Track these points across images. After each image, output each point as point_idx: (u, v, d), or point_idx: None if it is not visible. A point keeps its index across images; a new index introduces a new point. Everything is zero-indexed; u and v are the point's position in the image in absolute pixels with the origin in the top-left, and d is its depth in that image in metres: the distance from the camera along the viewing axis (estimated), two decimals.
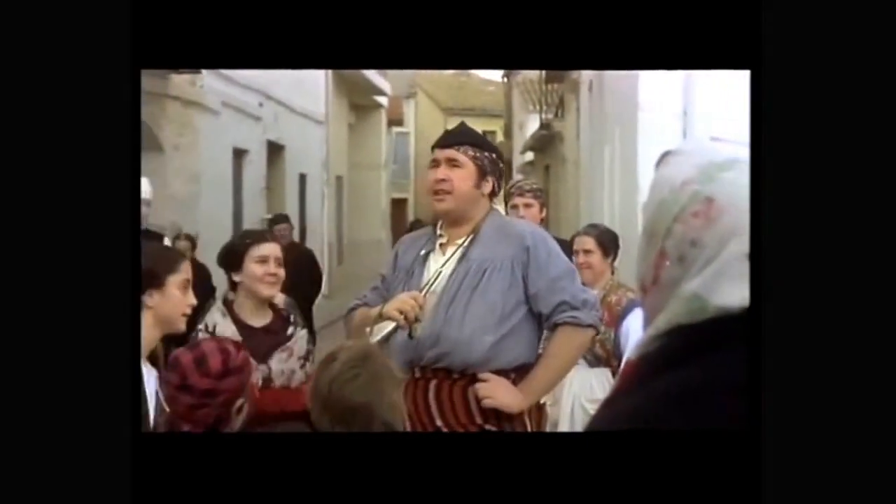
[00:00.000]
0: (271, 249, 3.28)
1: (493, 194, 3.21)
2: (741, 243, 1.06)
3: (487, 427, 2.94)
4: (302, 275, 7.86)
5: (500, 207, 3.45)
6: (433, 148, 3.21)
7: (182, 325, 2.64)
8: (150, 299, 2.50)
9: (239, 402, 2.30)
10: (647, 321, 1.16)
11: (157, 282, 2.51)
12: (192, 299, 2.60)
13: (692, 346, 1.04)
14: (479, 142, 3.21)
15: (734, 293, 1.05)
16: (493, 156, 3.19)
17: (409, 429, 2.50)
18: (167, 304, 2.54)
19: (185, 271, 2.58)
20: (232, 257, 3.28)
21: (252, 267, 3.23)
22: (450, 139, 3.19)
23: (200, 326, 3.17)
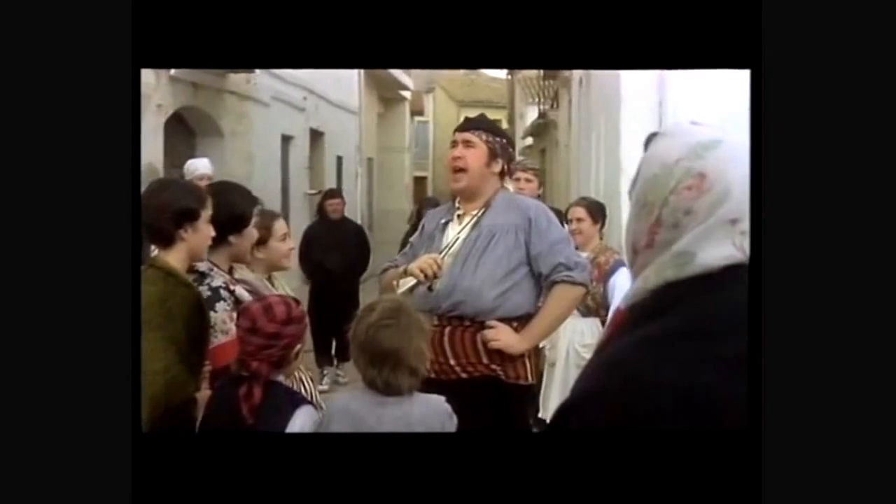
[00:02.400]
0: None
1: (502, 174, 3.19)
2: (726, 210, 1.05)
3: (493, 366, 2.96)
4: (355, 247, 7.51)
5: (510, 185, 3.42)
6: (454, 131, 3.20)
7: (205, 256, 2.52)
8: (185, 233, 2.36)
9: (297, 347, 2.26)
10: (634, 279, 1.14)
11: (193, 217, 2.37)
12: (212, 231, 2.45)
13: (674, 298, 1.03)
14: (492, 128, 3.20)
15: (717, 251, 1.04)
16: (504, 141, 3.19)
17: (429, 370, 2.43)
18: (199, 236, 2.40)
19: (209, 207, 2.43)
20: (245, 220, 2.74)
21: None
22: (468, 124, 3.18)
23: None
